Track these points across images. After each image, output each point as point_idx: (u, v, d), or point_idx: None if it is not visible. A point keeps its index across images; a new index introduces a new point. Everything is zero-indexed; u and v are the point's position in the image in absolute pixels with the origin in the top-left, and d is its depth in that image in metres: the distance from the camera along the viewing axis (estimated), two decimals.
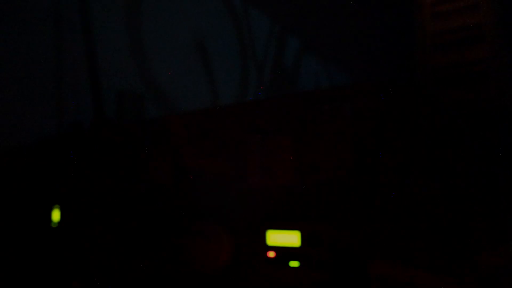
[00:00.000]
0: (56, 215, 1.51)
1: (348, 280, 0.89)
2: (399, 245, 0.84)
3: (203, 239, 1.08)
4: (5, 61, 1.79)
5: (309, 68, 4.64)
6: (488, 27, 2.79)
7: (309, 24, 4.00)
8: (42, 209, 1.56)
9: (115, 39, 2.33)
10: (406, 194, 0.84)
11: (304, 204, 0.98)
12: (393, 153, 0.85)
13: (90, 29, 1.93)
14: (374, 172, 0.88)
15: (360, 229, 0.89)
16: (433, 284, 0.80)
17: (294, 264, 0.98)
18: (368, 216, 0.88)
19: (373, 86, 0.87)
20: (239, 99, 3.38)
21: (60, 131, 1.97)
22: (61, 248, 1.48)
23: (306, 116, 0.98)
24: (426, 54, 2.95)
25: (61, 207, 1.51)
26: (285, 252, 1.00)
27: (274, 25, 3.97)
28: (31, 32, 1.89)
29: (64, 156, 1.55)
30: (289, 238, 0.99)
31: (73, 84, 2.06)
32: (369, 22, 3.96)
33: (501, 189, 0.88)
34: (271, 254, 1.01)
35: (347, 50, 4.57)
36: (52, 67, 1.97)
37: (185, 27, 2.86)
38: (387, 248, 0.85)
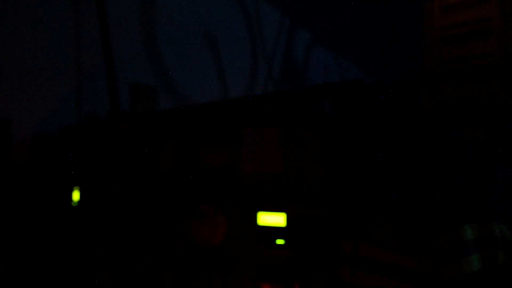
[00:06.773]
0: (76, 195, 1.68)
1: (322, 256, 1.02)
2: (369, 227, 0.96)
3: (202, 219, 1.23)
4: (29, 60, 1.93)
5: (319, 60, 4.69)
6: (496, 21, 2.79)
7: (319, 16, 4.04)
8: (65, 190, 1.73)
9: (130, 32, 2.45)
10: (375, 183, 0.96)
11: (290, 189, 1.10)
12: (363, 148, 0.97)
13: (106, 23, 2.02)
14: (347, 164, 1.00)
15: (335, 213, 1.01)
16: (396, 262, 0.92)
17: (280, 242, 1.11)
18: (343, 201, 1.00)
19: (347, 85, 0.98)
20: (248, 91, 3.48)
21: (79, 122, 2.13)
22: (79, 224, 1.66)
23: (292, 111, 1.09)
24: (433, 47, 2.98)
25: (80, 188, 1.67)
26: (272, 231, 1.12)
27: (284, 17, 4.02)
28: (51, 29, 2.02)
29: (83, 144, 1.70)
30: (277, 219, 1.11)
31: (90, 79, 2.20)
32: (379, 15, 3.98)
33: (454, 178, 0.98)
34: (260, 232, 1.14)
35: (357, 42, 4.59)
36: (71, 64, 2.12)
37: (197, 20, 2.96)
38: (359, 229, 0.97)
